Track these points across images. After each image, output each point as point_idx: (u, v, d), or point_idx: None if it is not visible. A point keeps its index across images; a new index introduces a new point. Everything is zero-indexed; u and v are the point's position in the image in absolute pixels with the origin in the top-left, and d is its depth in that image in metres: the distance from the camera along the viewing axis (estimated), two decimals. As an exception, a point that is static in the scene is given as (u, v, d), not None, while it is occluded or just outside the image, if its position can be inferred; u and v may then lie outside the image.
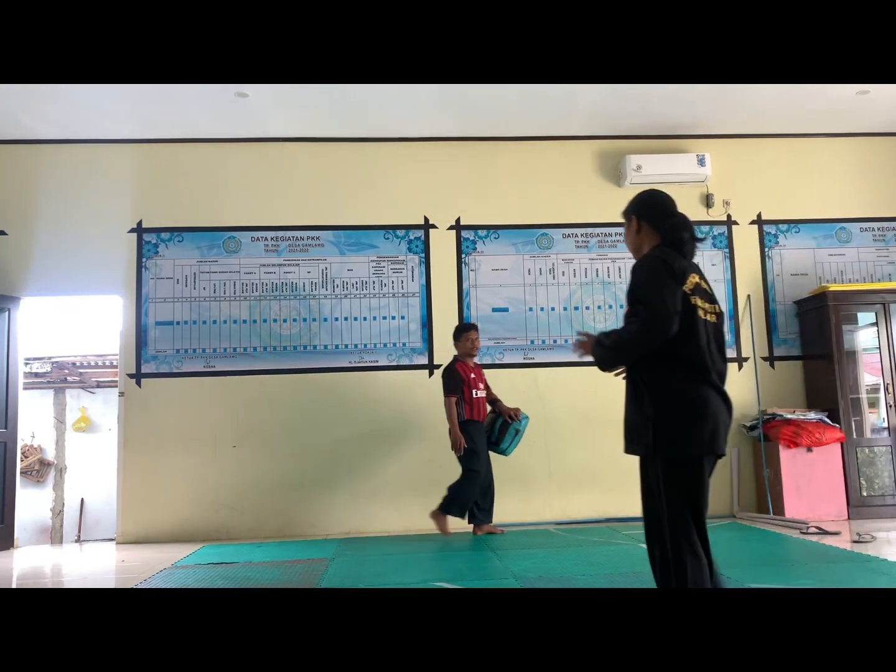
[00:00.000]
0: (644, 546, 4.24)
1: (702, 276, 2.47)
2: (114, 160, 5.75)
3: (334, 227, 5.80)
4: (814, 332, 5.73)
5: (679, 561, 2.25)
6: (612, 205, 5.94)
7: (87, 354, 8.25)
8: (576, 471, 5.60)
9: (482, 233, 5.86)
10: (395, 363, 5.66)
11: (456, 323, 5.65)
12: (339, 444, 5.56)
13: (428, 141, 5.92)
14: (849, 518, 5.30)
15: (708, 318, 2.39)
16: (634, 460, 2.46)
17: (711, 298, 2.46)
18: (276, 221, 5.77)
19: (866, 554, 3.99)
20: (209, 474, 5.49)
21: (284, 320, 5.70)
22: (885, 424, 5.52)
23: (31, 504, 7.45)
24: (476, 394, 5.00)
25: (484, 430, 5.04)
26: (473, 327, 5.21)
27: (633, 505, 4.86)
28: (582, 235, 5.92)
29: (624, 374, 2.47)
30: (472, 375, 5.04)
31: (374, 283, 5.78)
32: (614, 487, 5.44)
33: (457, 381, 4.96)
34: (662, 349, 2.26)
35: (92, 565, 4.76)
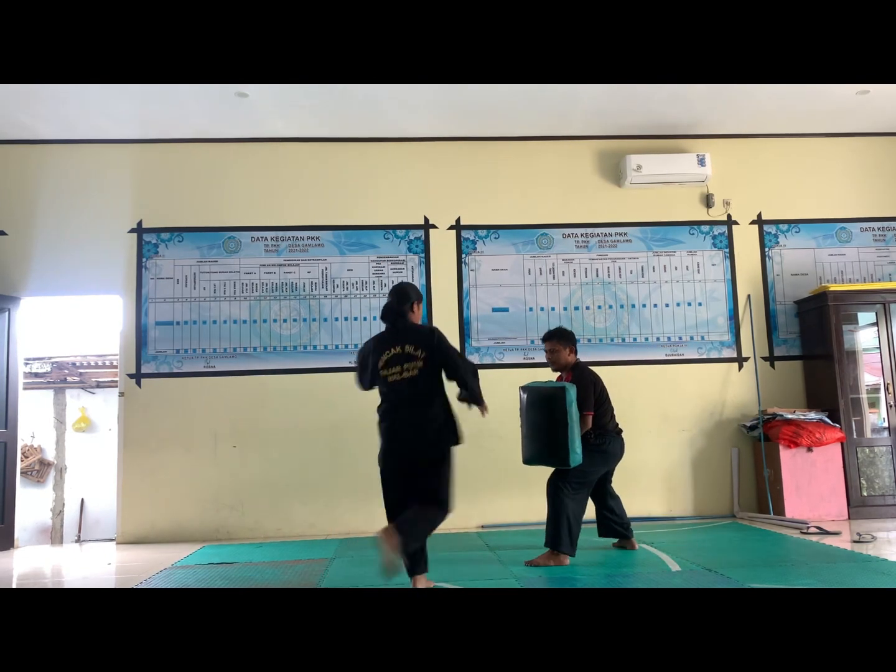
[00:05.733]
0: (643, 546, 4.25)
1: (408, 342, 3.35)
2: (114, 160, 5.75)
3: (334, 227, 5.80)
4: (814, 332, 5.73)
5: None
6: (612, 205, 5.96)
7: (87, 354, 8.23)
8: (576, 471, 5.60)
9: (482, 233, 5.86)
10: (395, 363, 5.65)
11: (456, 323, 5.68)
12: (340, 444, 5.56)
13: (428, 141, 5.92)
14: (849, 518, 5.30)
15: (404, 375, 3.31)
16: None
17: (409, 358, 3.32)
18: (276, 221, 5.77)
19: (866, 554, 3.98)
20: (209, 474, 5.49)
21: (284, 320, 5.70)
22: (886, 424, 5.52)
23: (31, 504, 7.44)
24: None
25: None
26: (544, 338, 4.49)
27: (632, 505, 4.88)
28: (582, 235, 5.92)
29: None
30: None
31: (374, 283, 5.78)
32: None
33: None
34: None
35: (92, 565, 4.76)
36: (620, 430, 4.33)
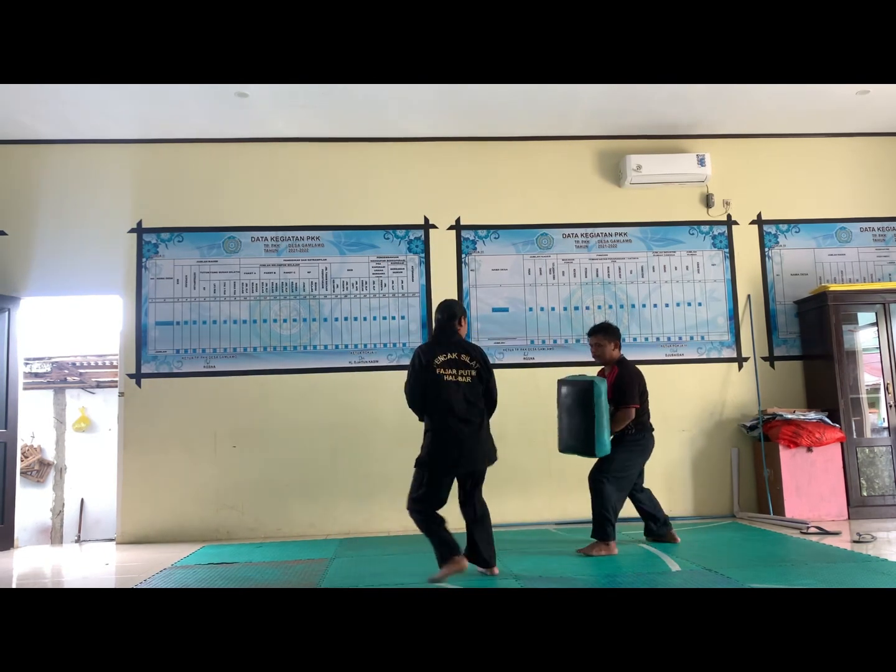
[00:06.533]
0: (643, 546, 4.27)
1: (462, 352, 3.70)
2: (114, 160, 5.75)
3: (334, 227, 5.80)
4: (814, 332, 5.73)
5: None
6: (612, 205, 5.96)
7: (87, 354, 8.23)
8: (576, 471, 5.58)
9: (482, 233, 5.86)
10: (395, 363, 5.65)
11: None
12: (339, 444, 5.56)
13: (428, 141, 5.92)
14: (849, 518, 5.29)
15: (459, 379, 3.66)
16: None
17: (464, 366, 3.68)
18: (276, 221, 5.77)
19: (866, 554, 3.98)
20: (209, 474, 5.49)
21: (284, 320, 5.69)
22: (885, 424, 5.52)
23: (31, 504, 7.44)
24: None
25: None
26: (590, 332, 4.59)
27: (632, 505, 4.87)
28: (582, 235, 5.91)
29: None
30: None
31: (374, 283, 5.78)
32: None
33: None
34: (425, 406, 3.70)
35: (92, 565, 4.76)
36: (653, 428, 4.50)
